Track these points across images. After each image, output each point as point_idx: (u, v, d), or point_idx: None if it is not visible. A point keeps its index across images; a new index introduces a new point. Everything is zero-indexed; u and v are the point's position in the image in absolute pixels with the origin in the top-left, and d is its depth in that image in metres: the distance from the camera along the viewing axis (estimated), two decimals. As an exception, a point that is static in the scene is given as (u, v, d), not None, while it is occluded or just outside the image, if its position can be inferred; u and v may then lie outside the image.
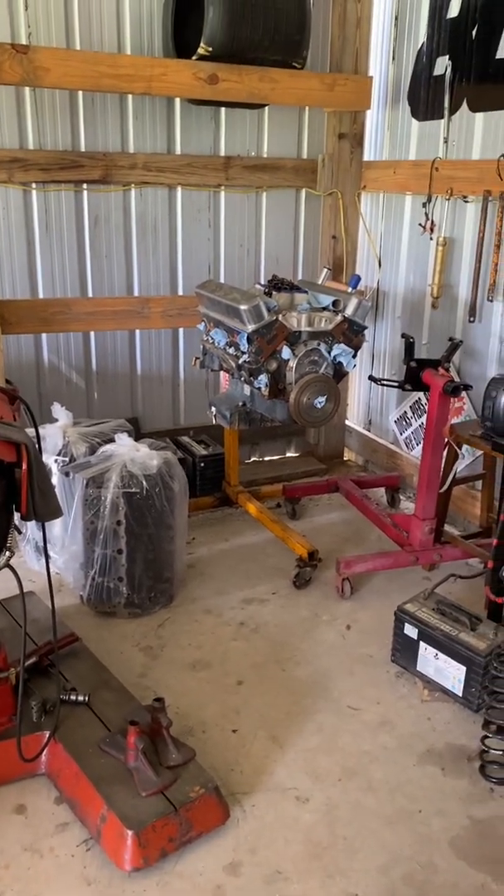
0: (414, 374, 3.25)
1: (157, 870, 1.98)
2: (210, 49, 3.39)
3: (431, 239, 3.79)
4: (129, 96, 3.73)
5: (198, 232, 4.09)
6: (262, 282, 3.45)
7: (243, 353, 3.05)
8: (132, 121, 3.80)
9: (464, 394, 3.53)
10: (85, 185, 3.77)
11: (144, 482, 2.94)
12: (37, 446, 2.07)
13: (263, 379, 3.04)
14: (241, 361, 3.08)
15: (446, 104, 3.63)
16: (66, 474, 3.09)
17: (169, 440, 4.02)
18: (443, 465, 3.26)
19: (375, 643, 2.94)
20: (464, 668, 2.53)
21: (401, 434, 4.28)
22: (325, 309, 3.17)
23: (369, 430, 4.60)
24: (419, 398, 4.06)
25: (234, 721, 2.53)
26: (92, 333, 3.98)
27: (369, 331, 3.88)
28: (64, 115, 3.65)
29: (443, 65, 3.64)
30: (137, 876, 1.96)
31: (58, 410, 3.42)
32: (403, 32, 3.94)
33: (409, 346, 3.27)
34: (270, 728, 2.50)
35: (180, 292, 4.10)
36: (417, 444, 4.09)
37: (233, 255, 4.21)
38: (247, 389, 3.33)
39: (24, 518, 2.01)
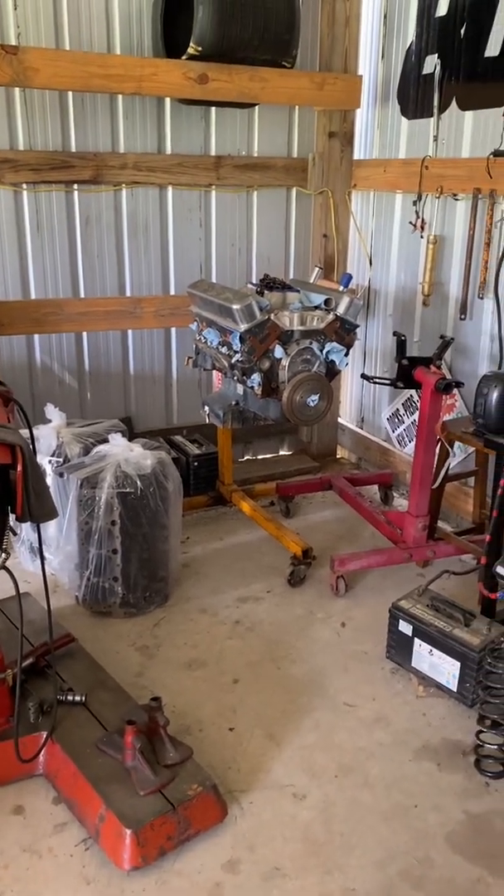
0: (406, 372, 3.26)
1: (155, 868, 1.99)
2: (200, 49, 3.39)
3: (422, 237, 3.81)
4: (119, 96, 3.72)
5: (189, 231, 4.09)
6: (254, 281, 3.46)
7: (236, 352, 3.05)
8: (122, 121, 3.80)
9: (455, 391, 3.55)
10: (76, 186, 3.77)
11: (139, 482, 2.94)
12: (31, 448, 2.07)
13: (256, 378, 3.04)
14: (233, 361, 3.09)
15: (436, 102, 3.65)
16: (61, 475, 3.09)
17: (162, 440, 4.02)
18: (435, 462, 3.28)
19: (370, 640, 2.95)
20: (458, 664, 2.55)
21: (393, 431, 4.30)
22: (317, 308, 3.18)
23: (362, 428, 4.61)
24: (411, 396, 4.08)
25: (230, 719, 2.54)
26: (84, 334, 3.98)
27: (361, 329, 3.89)
28: (54, 116, 3.65)
29: (432, 63, 3.66)
30: (136, 875, 1.97)
31: (51, 411, 3.42)
32: (392, 31, 3.95)
33: (401, 344, 3.28)
34: (267, 726, 2.51)
35: (172, 292, 4.11)
36: (410, 442, 4.11)
37: (224, 255, 4.21)
38: (240, 388, 3.34)
39: (20, 519, 2.01)
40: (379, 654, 2.86)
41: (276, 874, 2.00)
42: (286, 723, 2.53)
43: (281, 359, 3.06)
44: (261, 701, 2.63)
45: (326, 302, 3.19)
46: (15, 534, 2.85)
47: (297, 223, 4.36)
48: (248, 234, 4.25)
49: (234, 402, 3.39)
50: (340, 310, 3.15)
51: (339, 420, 4.75)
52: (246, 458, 4.60)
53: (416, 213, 3.79)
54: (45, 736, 2.26)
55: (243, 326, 2.97)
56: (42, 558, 2.32)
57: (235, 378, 3.21)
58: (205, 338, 3.29)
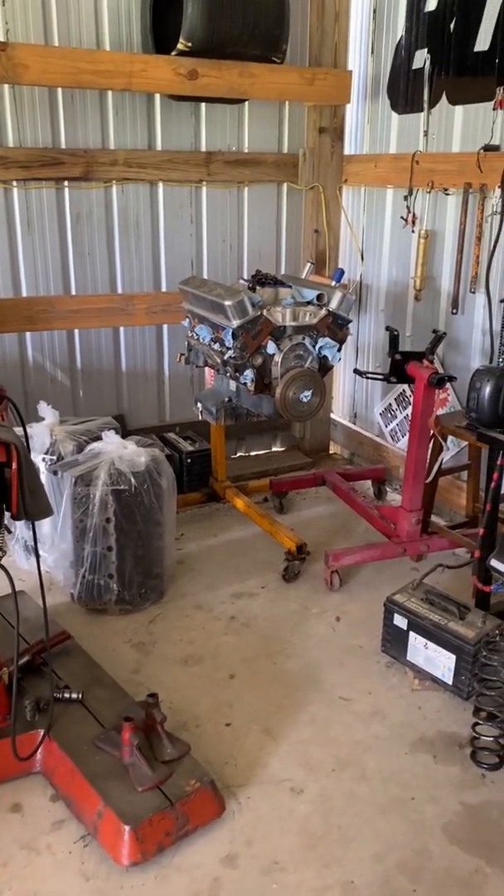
0: (399, 367, 3.27)
1: (154, 864, 2.00)
2: (189, 44, 3.38)
3: (413, 232, 3.81)
4: (109, 92, 3.71)
5: (180, 228, 4.08)
6: (246, 277, 3.46)
7: (228, 348, 3.06)
8: (112, 117, 3.79)
9: (448, 385, 3.56)
10: (66, 183, 3.75)
11: (133, 479, 2.94)
12: (26, 446, 2.07)
13: (249, 374, 3.05)
14: (226, 357, 3.09)
15: (426, 97, 3.65)
16: (55, 473, 3.09)
17: (155, 437, 4.02)
18: (428, 457, 3.29)
19: (365, 634, 2.96)
20: (453, 657, 2.56)
21: (386, 426, 4.31)
22: (309, 303, 3.19)
23: (355, 423, 4.62)
24: (403, 390, 4.09)
25: (227, 715, 2.55)
26: (76, 331, 3.97)
27: (353, 324, 3.90)
28: (44, 112, 3.64)
29: (421, 58, 3.66)
30: (135, 870, 1.98)
31: (44, 409, 3.41)
32: (382, 26, 3.95)
33: (394, 339, 3.29)
34: (263, 721, 2.52)
35: (164, 288, 4.10)
36: (403, 436, 4.12)
37: (215, 251, 4.21)
38: (232, 385, 3.34)
39: (15, 518, 2.01)
40: (374, 648, 2.87)
41: (274, 868, 2.01)
42: (282, 717, 2.54)
43: (273, 355, 3.07)
44: (257, 696, 2.64)
45: (318, 297, 3.19)
46: (10, 532, 2.85)
47: (288, 219, 4.35)
48: (239, 230, 4.25)
49: (226, 399, 3.39)
50: (333, 305, 3.15)
51: (332, 415, 4.75)
52: (239, 454, 4.61)
53: (408, 207, 3.79)
54: (42, 733, 2.26)
55: (235, 323, 2.97)
56: (37, 556, 2.32)
57: (228, 374, 3.21)
58: (197, 334, 3.29)
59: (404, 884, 1.97)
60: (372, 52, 4.04)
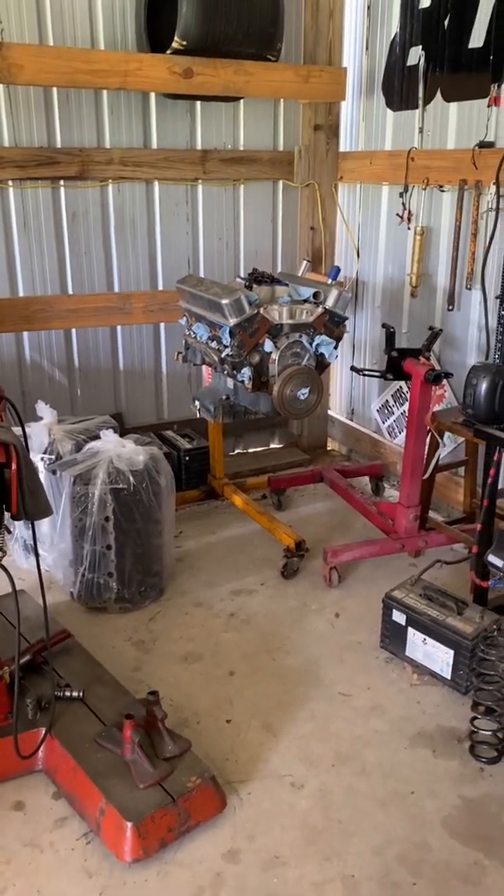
0: (395, 364, 3.28)
1: (156, 860, 2.01)
2: (184, 43, 3.38)
3: (409, 228, 3.82)
4: (104, 91, 3.71)
5: (176, 226, 4.09)
6: (243, 275, 3.47)
7: (226, 346, 3.06)
8: (108, 116, 3.79)
9: (445, 381, 3.57)
10: (62, 182, 3.76)
11: (131, 478, 2.95)
12: (24, 446, 2.08)
13: (246, 372, 3.06)
14: (223, 355, 3.10)
15: (420, 94, 3.66)
16: (53, 472, 3.09)
17: (153, 435, 4.03)
18: (426, 453, 3.30)
19: (364, 630, 2.98)
20: (452, 652, 2.58)
21: (383, 423, 4.32)
22: (305, 301, 3.20)
23: (352, 420, 4.63)
24: (400, 387, 4.10)
25: (227, 711, 2.56)
26: (73, 330, 3.98)
27: (350, 321, 3.91)
28: (39, 112, 3.64)
29: (416, 55, 3.67)
30: (138, 867, 1.99)
31: (42, 408, 3.42)
32: (376, 23, 3.95)
33: (390, 336, 3.30)
34: (263, 717, 2.54)
35: (160, 287, 4.11)
36: (400, 433, 4.13)
37: (212, 249, 4.21)
38: (230, 383, 3.35)
39: (15, 518, 2.02)
40: (373, 643, 2.89)
41: (275, 862, 2.03)
42: (282, 713, 2.55)
43: (271, 353, 3.08)
44: (257, 692, 2.65)
45: (315, 295, 3.20)
46: (9, 532, 2.86)
47: (284, 216, 4.36)
48: (235, 228, 4.26)
49: (224, 397, 3.40)
50: (329, 303, 3.16)
51: (330, 412, 4.76)
52: (237, 451, 4.62)
53: (403, 204, 3.80)
54: (43, 732, 2.27)
55: (233, 321, 2.98)
56: (37, 555, 2.33)
57: (225, 372, 3.22)
58: (194, 333, 3.30)
59: (404, 877, 1.99)
60: (366, 50, 4.05)
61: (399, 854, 2.06)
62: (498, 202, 3.25)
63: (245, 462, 4.47)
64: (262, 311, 3.03)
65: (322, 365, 3.22)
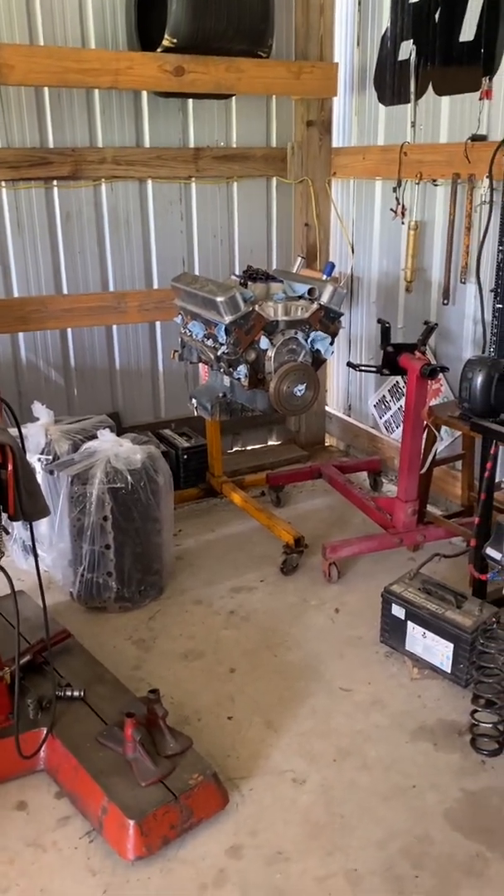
0: (391, 359, 3.29)
1: (159, 857, 2.02)
2: (175, 41, 3.38)
3: (403, 223, 3.82)
4: (96, 91, 3.71)
5: (170, 224, 4.09)
6: (238, 272, 3.47)
7: (222, 344, 3.06)
8: (100, 115, 3.78)
9: (441, 376, 3.57)
10: (55, 182, 3.75)
11: (129, 477, 2.95)
12: (21, 446, 2.08)
13: (243, 369, 3.06)
14: (219, 353, 3.10)
15: (412, 88, 3.66)
16: (51, 472, 3.09)
17: (151, 434, 4.02)
18: (423, 447, 3.31)
19: (364, 625, 2.98)
20: (451, 646, 2.59)
21: (380, 418, 4.33)
22: (300, 297, 3.19)
23: (349, 416, 4.63)
24: (397, 382, 4.10)
25: (228, 708, 2.57)
26: (69, 330, 3.98)
27: (345, 317, 3.91)
28: (31, 112, 3.63)
29: (407, 49, 3.66)
30: (141, 864, 2.00)
31: (38, 409, 3.42)
32: (367, 18, 3.95)
33: (386, 331, 3.30)
34: (265, 713, 2.54)
35: (155, 286, 4.11)
36: (397, 428, 4.14)
37: (206, 247, 4.21)
38: (227, 380, 3.35)
39: (12, 518, 2.02)
40: (373, 638, 2.89)
41: (278, 858, 2.03)
42: (283, 709, 2.56)
43: (267, 350, 3.08)
44: (258, 689, 2.66)
45: (310, 291, 3.20)
46: (7, 532, 2.86)
47: (278, 213, 4.36)
48: (229, 226, 4.25)
49: (221, 395, 3.40)
50: (324, 299, 3.16)
51: (327, 408, 4.77)
52: (235, 449, 4.62)
53: (397, 199, 3.80)
54: (45, 732, 2.27)
55: (228, 318, 2.98)
56: (36, 556, 2.33)
57: (222, 370, 3.22)
58: (190, 331, 3.30)
59: (407, 870, 1.99)
60: (358, 44, 4.04)
61: (401, 847, 2.06)
62: (491, 195, 3.25)
63: (243, 459, 4.47)
64: (257, 308, 3.03)
65: (318, 361, 3.22)
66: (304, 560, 3.43)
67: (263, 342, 3.06)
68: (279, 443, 4.76)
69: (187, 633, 2.97)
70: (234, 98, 4.02)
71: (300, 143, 4.20)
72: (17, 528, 3.22)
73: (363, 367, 3.59)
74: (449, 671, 2.63)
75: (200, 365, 3.66)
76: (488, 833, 2.11)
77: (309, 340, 3.15)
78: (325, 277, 3.45)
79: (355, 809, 2.18)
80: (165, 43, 3.39)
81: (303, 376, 3.09)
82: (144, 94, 3.83)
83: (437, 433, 3.32)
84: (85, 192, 3.84)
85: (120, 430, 3.63)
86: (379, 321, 3.35)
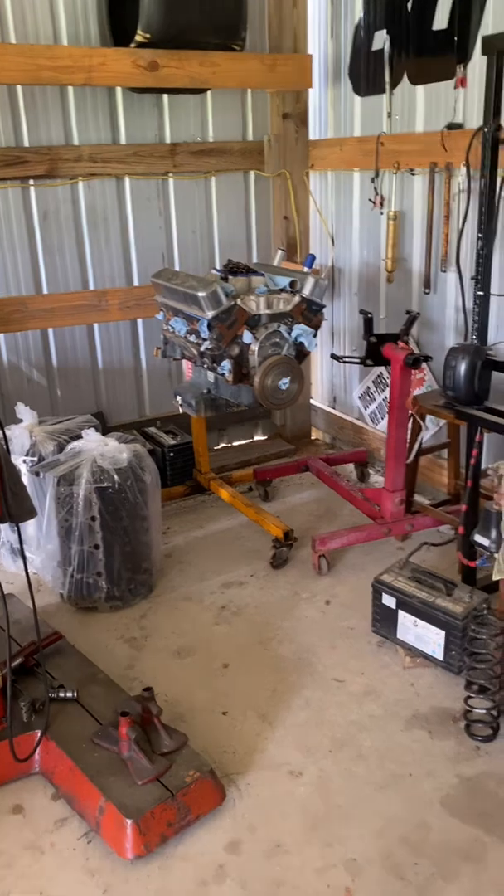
0: (374, 350, 3.29)
1: (158, 855, 2.01)
2: (148, 35, 3.36)
3: (382, 213, 3.82)
4: (70, 88, 3.68)
5: (149, 221, 4.07)
6: (218, 267, 3.45)
7: (204, 340, 3.05)
8: (75, 113, 3.76)
9: (424, 365, 3.57)
10: (31, 181, 3.72)
11: (116, 476, 2.94)
12: (5, 448, 2.07)
13: (226, 364, 3.05)
14: (202, 349, 3.09)
15: (387, 78, 3.66)
16: (37, 474, 3.07)
17: (136, 432, 4.01)
18: (408, 437, 3.31)
19: (355, 616, 2.99)
20: (443, 633, 2.59)
21: (365, 409, 4.33)
22: (282, 290, 3.19)
23: (334, 408, 4.64)
24: (381, 373, 4.11)
25: (223, 703, 2.56)
26: (50, 330, 3.95)
27: (328, 309, 3.91)
28: (4, 111, 3.60)
29: (381, 39, 3.66)
30: (140, 863, 1.99)
31: (22, 410, 3.40)
32: (340, 8, 3.94)
33: (368, 322, 3.30)
34: (259, 707, 2.54)
35: (136, 283, 4.09)
36: (382, 418, 4.14)
37: (186, 242, 4.20)
38: (211, 376, 3.34)
39: (-1, 521, 2.01)
40: (365, 628, 2.90)
41: (277, 851, 2.04)
42: (278, 703, 2.56)
43: (250, 344, 3.07)
44: (251, 683, 2.66)
45: (291, 284, 3.20)
46: (-6, 535, 2.84)
47: (257, 206, 4.35)
48: (208, 220, 4.24)
49: (205, 391, 3.39)
50: (306, 291, 3.15)
51: (312, 401, 4.77)
52: (221, 445, 4.61)
53: (375, 190, 3.80)
54: (39, 734, 2.26)
55: (210, 313, 2.97)
56: (24, 558, 2.31)
57: (206, 366, 3.21)
58: (172, 327, 3.28)
59: (406, 857, 2.00)
60: (331, 36, 4.03)
61: (400, 835, 2.07)
62: (469, 183, 3.25)
63: (230, 455, 4.47)
64: (239, 302, 3.02)
65: (302, 354, 3.21)
66: (293, 553, 3.43)
67: (247, 336, 3.05)
68: (265, 437, 4.76)
69: (179, 631, 2.96)
70: (209, 92, 4.00)
71: (277, 136, 4.19)
72: (5, 531, 3.21)
73: (347, 359, 3.59)
74: (441, 659, 2.64)
75: (184, 361, 3.65)
76: (486, 817, 2.12)
77: (292, 333, 3.14)
78: (306, 269, 3.44)
79: (352, 799, 2.19)
80: (138, 38, 3.37)
81: (287, 369, 3.09)
82: (119, 90, 3.81)
83: (422, 422, 3.32)
84: (62, 190, 3.81)
85: (105, 430, 3.62)
86: (361, 312, 3.35)
